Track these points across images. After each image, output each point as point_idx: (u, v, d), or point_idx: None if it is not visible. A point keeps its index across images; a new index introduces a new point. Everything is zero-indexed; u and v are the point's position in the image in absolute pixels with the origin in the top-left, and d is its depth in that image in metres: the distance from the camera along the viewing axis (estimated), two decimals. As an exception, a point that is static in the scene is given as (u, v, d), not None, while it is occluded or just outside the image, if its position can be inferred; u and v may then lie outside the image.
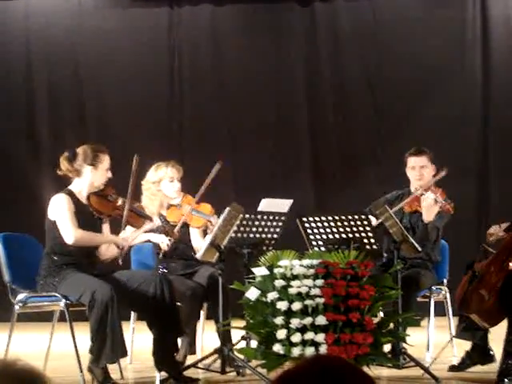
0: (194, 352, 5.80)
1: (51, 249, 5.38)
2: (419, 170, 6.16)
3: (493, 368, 5.36)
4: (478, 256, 5.53)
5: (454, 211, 6.02)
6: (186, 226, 6.16)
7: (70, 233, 5.28)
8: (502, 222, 5.55)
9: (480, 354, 5.55)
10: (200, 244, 6.02)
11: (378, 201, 6.03)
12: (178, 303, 5.59)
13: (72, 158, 5.42)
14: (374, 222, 5.67)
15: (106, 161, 5.45)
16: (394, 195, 6.29)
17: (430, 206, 5.90)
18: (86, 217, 5.39)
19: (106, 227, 5.58)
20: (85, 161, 5.40)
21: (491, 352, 5.55)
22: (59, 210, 5.33)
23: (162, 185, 6.17)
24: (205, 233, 6.11)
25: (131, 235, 5.67)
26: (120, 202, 5.49)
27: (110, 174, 5.48)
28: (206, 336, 6.31)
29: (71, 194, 5.40)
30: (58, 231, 5.34)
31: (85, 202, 5.44)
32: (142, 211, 5.66)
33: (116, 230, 5.65)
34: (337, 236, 5.51)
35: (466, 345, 5.67)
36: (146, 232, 5.86)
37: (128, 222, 5.50)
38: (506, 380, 5.12)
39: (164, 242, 5.98)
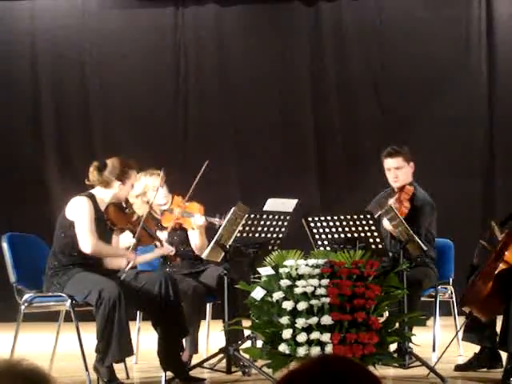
0: (195, 352, 5.80)
1: (59, 248, 5.37)
2: (394, 171, 6.14)
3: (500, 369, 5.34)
4: (477, 251, 5.54)
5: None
6: (181, 228, 6.17)
7: (89, 242, 5.26)
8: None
9: (488, 357, 5.51)
10: (198, 241, 6.05)
11: (380, 200, 6.03)
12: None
13: (102, 168, 5.43)
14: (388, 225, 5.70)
15: (133, 177, 5.49)
16: (381, 195, 6.28)
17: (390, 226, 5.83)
18: (100, 225, 5.38)
19: (115, 238, 5.57)
20: (112, 173, 5.41)
21: (500, 357, 5.51)
22: (80, 214, 5.30)
23: (148, 195, 6.12)
24: (206, 229, 6.10)
25: (143, 257, 5.75)
26: (135, 217, 5.53)
27: (133, 188, 5.55)
28: (212, 336, 6.31)
29: (92, 199, 5.40)
30: (71, 232, 5.31)
31: (102, 210, 5.44)
32: (153, 232, 5.69)
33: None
34: (342, 235, 5.50)
35: (474, 345, 5.65)
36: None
37: (139, 238, 5.51)
38: (511, 380, 5.11)
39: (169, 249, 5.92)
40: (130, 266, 5.49)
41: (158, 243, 5.68)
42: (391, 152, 6.19)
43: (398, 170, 6.13)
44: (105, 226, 5.42)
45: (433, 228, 6.18)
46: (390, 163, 6.16)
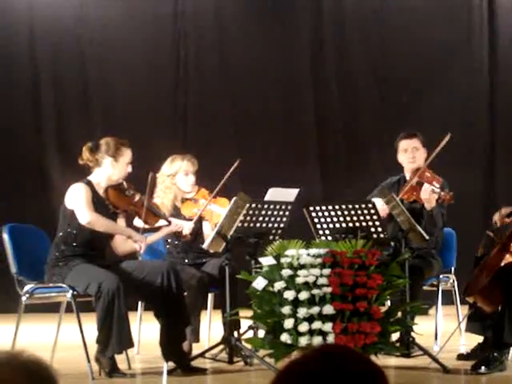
0: (197, 340, 5.80)
1: (62, 238, 5.35)
2: (412, 152, 6.12)
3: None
4: (483, 242, 5.53)
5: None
6: (199, 219, 6.13)
7: (86, 213, 5.26)
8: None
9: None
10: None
11: (382, 189, 6.01)
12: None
13: (94, 149, 5.42)
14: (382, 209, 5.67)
15: (127, 155, 5.44)
16: (388, 183, 6.25)
17: (429, 196, 5.85)
18: (102, 209, 5.37)
19: (121, 222, 5.56)
20: (107, 152, 5.39)
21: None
22: (76, 198, 5.31)
23: (176, 178, 6.13)
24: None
25: (152, 237, 5.70)
26: (137, 198, 5.48)
27: (130, 169, 5.46)
28: (214, 326, 6.30)
29: (90, 185, 5.39)
30: (73, 220, 5.31)
31: (102, 195, 5.43)
32: (158, 210, 5.66)
33: (131, 225, 5.66)
34: (344, 225, 5.49)
35: (476, 335, 5.63)
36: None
37: (144, 219, 5.48)
38: (482, 368, 5.11)
39: (182, 227, 5.89)
40: (143, 248, 5.44)
41: (164, 221, 5.66)
42: (408, 133, 6.20)
43: (414, 151, 6.12)
44: (107, 210, 5.41)
45: (444, 218, 6.17)
46: (408, 143, 6.13)
